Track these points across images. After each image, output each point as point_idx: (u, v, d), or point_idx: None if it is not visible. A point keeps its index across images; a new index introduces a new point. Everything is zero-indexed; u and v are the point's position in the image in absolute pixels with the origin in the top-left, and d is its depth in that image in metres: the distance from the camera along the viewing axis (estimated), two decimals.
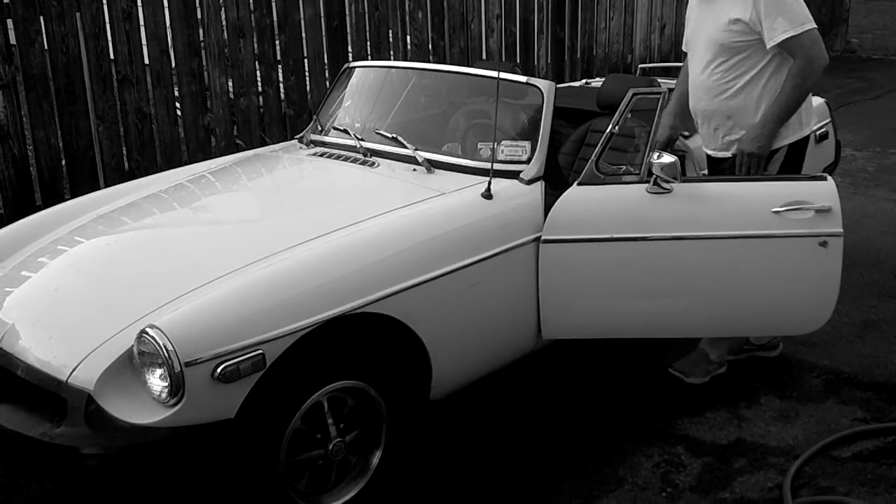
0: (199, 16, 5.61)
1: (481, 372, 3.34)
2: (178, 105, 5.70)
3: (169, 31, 5.53)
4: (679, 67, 3.97)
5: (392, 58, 6.84)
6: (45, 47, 4.99)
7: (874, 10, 15.68)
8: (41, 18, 4.93)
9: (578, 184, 3.33)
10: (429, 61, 6.99)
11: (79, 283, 3.02)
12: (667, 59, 9.27)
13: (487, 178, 3.25)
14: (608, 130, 3.34)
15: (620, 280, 3.32)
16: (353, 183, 3.52)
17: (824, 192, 3.32)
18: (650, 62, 8.98)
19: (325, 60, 6.40)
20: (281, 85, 6.17)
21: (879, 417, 3.55)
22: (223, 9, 5.70)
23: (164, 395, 2.54)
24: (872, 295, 4.65)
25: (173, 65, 5.59)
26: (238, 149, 5.57)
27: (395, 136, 3.57)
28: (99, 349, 2.66)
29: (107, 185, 4.97)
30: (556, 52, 8.30)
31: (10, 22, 4.87)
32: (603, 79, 4.55)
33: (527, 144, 3.42)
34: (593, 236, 3.26)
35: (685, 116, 3.82)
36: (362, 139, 3.67)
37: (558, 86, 3.66)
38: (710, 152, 3.74)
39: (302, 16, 6.18)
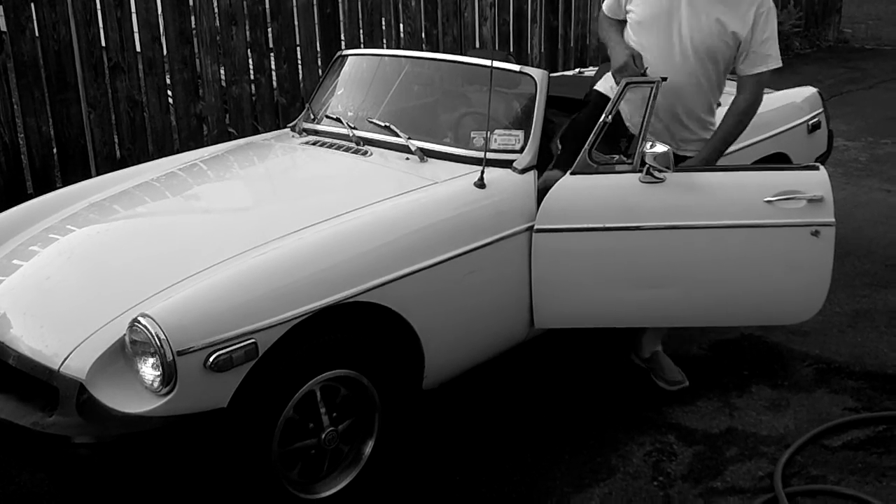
0: (190, 3, 5.59)
1: (474, 361, 3.34)
2: (169, 93, 5.68)
3: (161, 19, 5.51)
4: None
5: (385, 46, 6.82)
6: (36, 34, 4.95)
7: (867, 1, 15.70)
8: (32, 5, 4.89)
9: (571, 173, 3.33)
10: (422, 49, 6.97)
11: (70, 271, 3.00)
12: None
13: (480, 168, 3.24)
14: (601, 119, 3.33)
15: (613, 269, 3.32)
16: (346, 172, 3.51)
17: (816, 181, 3.33)
18: None
19: (318, 48, 6.38)
20: (273, 73, 6.15)
21: (870, 407, 3.57)
22: None
23: (156, 385, 2.54)
24: (864, 284, 4.67)
25: (165, 52, 5.56)
26: (230, 137, 5.56)
27: (387, 124, 3.56)
28: (91, 338, 2.65)
29: (98, 174, 4.94)
30: (549, 40, 8.30)
31: (0, 8, 4.83)
32: (596, 68, 4.53)
33: (520, 133, 3.41)
34: (586, 225, 3.26)
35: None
36: (355, 128, 3.66)
37: (551, 74, 3.66)
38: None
39: (294, 3, 6.16)
